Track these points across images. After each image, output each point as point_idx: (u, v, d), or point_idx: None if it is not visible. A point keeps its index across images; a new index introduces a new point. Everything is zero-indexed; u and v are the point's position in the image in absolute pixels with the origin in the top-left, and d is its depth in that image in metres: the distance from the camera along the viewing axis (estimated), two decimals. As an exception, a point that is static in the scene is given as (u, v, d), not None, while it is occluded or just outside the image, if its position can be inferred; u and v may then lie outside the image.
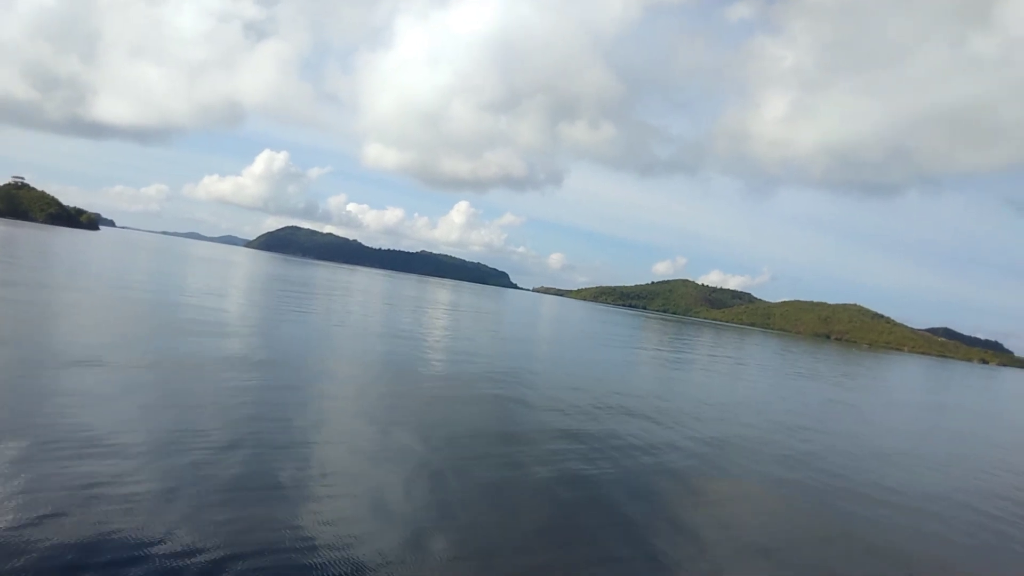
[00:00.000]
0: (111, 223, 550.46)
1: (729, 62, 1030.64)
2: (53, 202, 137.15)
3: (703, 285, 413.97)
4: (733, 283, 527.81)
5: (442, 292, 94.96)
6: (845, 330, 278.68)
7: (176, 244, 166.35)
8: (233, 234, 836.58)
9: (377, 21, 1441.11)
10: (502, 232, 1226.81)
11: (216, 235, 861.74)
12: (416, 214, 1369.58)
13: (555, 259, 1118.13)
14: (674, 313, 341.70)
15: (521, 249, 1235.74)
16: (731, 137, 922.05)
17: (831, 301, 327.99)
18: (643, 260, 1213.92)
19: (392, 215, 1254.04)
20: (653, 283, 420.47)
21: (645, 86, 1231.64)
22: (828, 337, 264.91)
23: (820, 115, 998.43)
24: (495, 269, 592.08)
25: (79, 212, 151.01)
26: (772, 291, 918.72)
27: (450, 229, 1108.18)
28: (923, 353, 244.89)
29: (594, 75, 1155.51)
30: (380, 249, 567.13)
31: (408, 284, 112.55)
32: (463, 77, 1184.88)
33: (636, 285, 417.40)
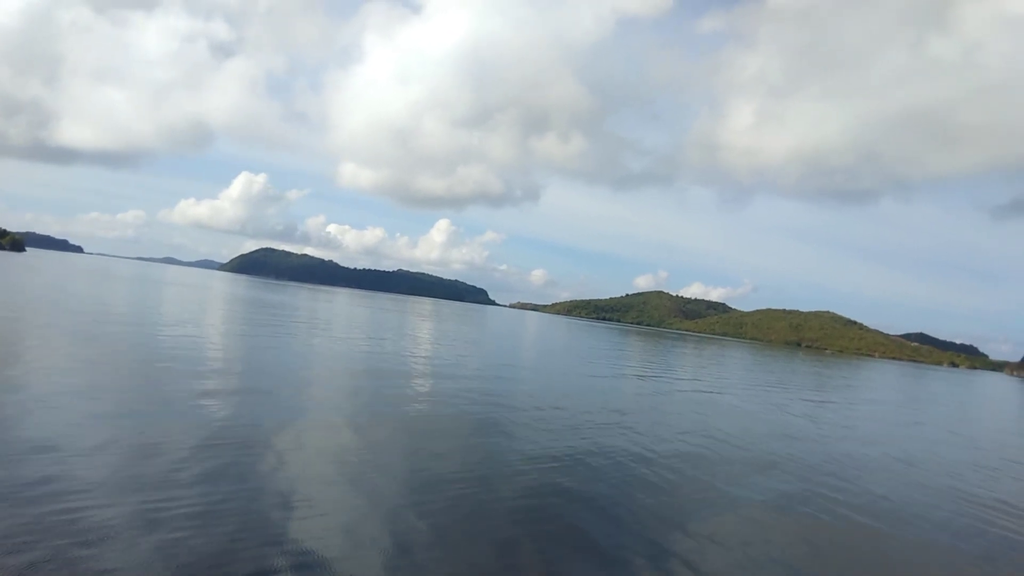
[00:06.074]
0: (79, 249, 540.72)
1: (700, 73, 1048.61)
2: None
3: (678, 296, 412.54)
4: (715, 295, 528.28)
5: (402, 312, 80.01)
6: (816, 337, 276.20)
7: (118, 267, 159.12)
8: (211, 258, 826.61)
9: (346, 39, 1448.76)
10: (484, 250, 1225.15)
11: (193, 259, 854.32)
12: (397, 233, 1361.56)
13: (537, 275, 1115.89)
14: (647, 325, 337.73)
15: (503, 267, 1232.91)
16: (704, 148, 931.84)
17: (808, 310, 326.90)
18: (625, 274, 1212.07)
19: (372, 235, 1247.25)
20: (627, 296, 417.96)
21: (617, 99, 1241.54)
22: (799, 345, 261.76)
23: (789, 122, 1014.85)
24: (473, 286, 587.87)
25: (1, 233, 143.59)
26: (753, 302, 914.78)
27: (431, 248, 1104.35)
28: (894, 358, 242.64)
29: (566, 89, 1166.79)
30: (355, 269, 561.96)
31: (368, 305, 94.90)
32: (434, 93, 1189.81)
33: (611, 298, 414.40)
